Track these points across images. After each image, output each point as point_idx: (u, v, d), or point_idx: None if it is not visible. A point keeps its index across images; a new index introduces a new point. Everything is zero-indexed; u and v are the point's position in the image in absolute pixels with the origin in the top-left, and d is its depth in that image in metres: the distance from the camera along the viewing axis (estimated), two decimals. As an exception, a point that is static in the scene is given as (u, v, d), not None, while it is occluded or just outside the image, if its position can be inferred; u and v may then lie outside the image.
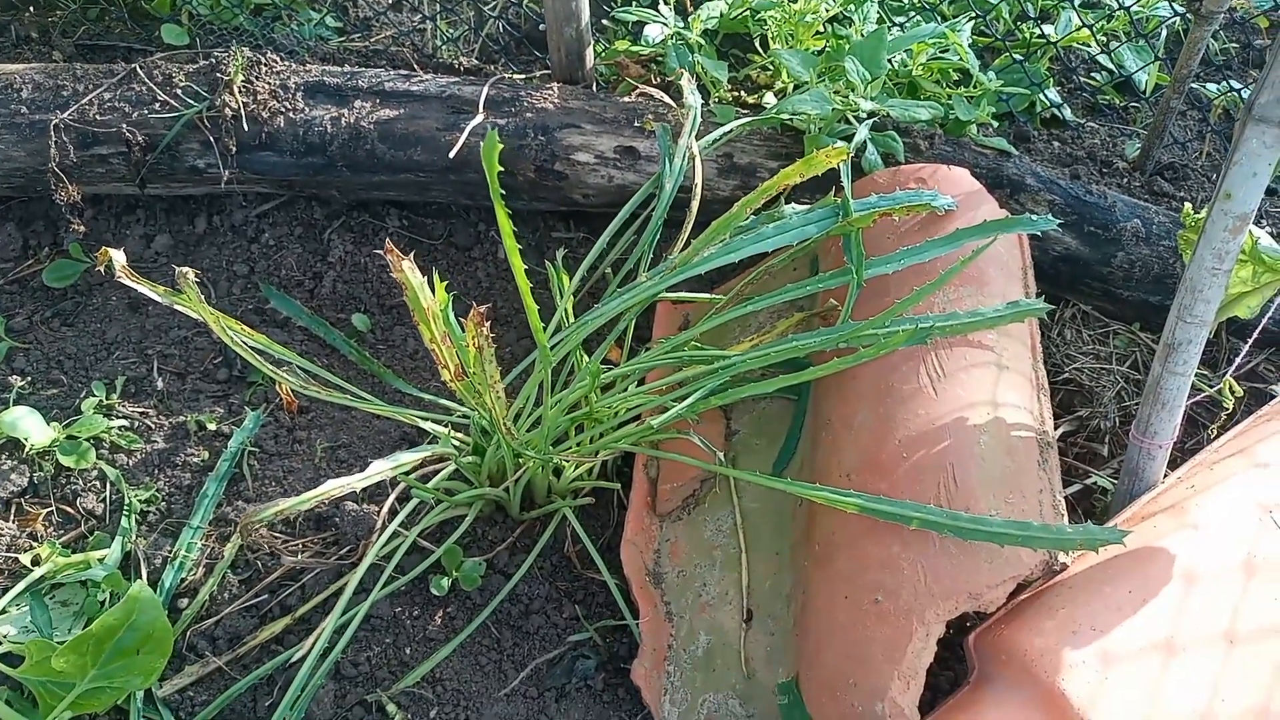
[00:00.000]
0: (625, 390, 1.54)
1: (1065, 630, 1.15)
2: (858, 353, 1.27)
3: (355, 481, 1.23)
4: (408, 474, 1.31)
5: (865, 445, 1.33)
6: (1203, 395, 1.49)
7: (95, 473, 1.60)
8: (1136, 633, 1.15)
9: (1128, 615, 1.17)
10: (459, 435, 1.52)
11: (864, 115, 1.68)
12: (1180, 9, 2.01)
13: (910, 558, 1.20)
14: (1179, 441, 1.39)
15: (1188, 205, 1.31)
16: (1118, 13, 2.06)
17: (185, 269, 1.30)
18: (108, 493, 1.58)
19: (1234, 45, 2.38)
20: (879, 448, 1.31)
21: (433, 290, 1.07)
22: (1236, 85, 2.05)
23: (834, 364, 1.27)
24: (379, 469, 1.25)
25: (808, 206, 1.47)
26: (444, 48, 2.18)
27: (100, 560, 1.47)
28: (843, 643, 1.20)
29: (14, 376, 1.74)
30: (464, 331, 1.10)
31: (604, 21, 2.19)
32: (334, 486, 1.22)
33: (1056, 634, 1.15)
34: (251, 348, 1.37)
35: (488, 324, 1.05)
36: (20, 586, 1.40)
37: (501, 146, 1.06)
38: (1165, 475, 1.40)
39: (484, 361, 1.07)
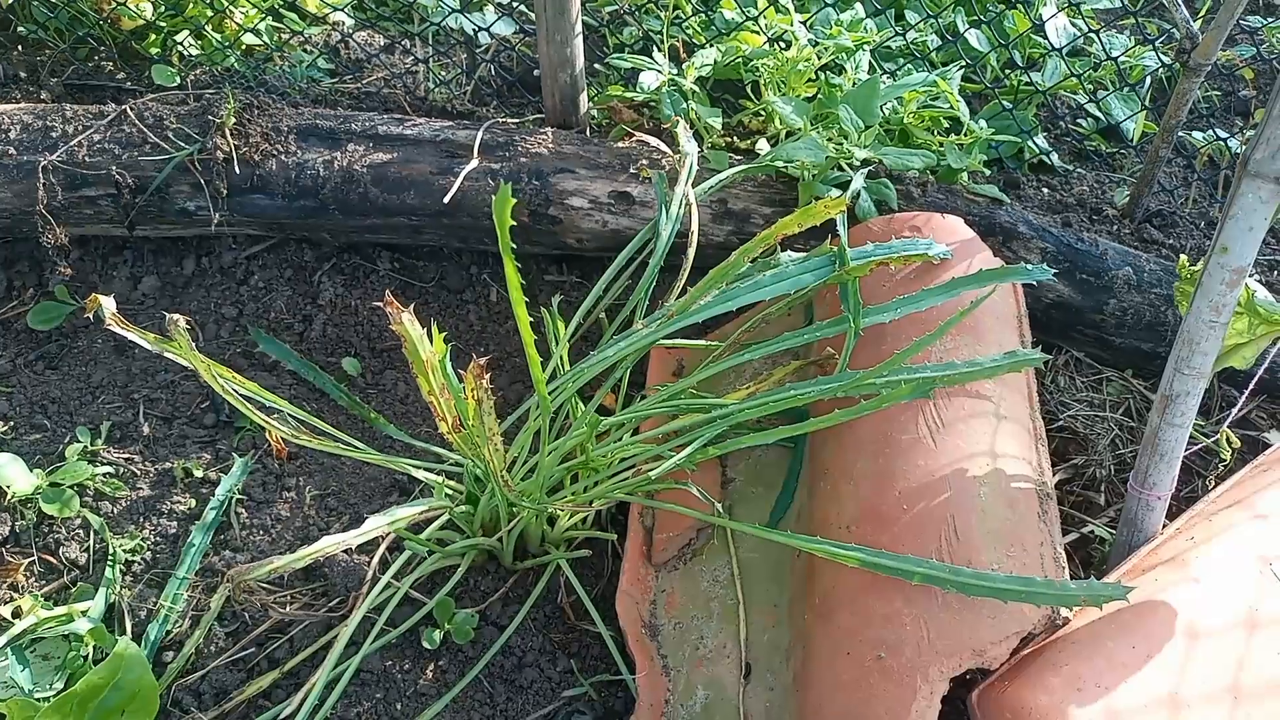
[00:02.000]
0: (620, 439, 1.52)
1: (1070, 687, 1.14)
2: (859, 405, 1.26)
3: (351, 538, 1.21)
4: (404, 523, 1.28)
5: (865, 496, 1.32)
6: (1200, 446, 1.49)
7: (79, 521, 1.57)
8: (1141, 689, 1.14)
9: (1132, 671, 1.16)
10: (451, 484, 1.50)
11: (858, 163, 1.69)
12: (1167, 60, 2.04)
13: (913, 614, 1.18)
14: (1175, 490, 1.39)
15: (1183, 258, 1.32)
16: (1104, 62, 2.09)
17: (176, 316, 1.28)
18: (91, 541, 1.55)
19: (1217, 93, 2.42)
20: (879, 499, 1.30)
21: (431, 341, 1.06)
22: (1222, 134, 2.08)
23: (835, 415, 1.27)
24: (375, 525, 1.23)
25: (804, 255, 1.47)
26: (436, 90, 2.18)
27: (83, 613, 1.43)
28: (845, 700, 1.18)
29: (-4, 421, 1.71)
30: (462, 383, 1.08)
31: (596, 66, 2.20)
32: (330, 544, 1.20)
33: (1061, 691, 1.13)
34: (241, 395, 1.35)
35: (487, 376, 1.03)
36: (2, 640, 1.36)
37: (514, 201, 1.05)
38: (1163, 526, 1.40)
39: (483, 414, 1.05)
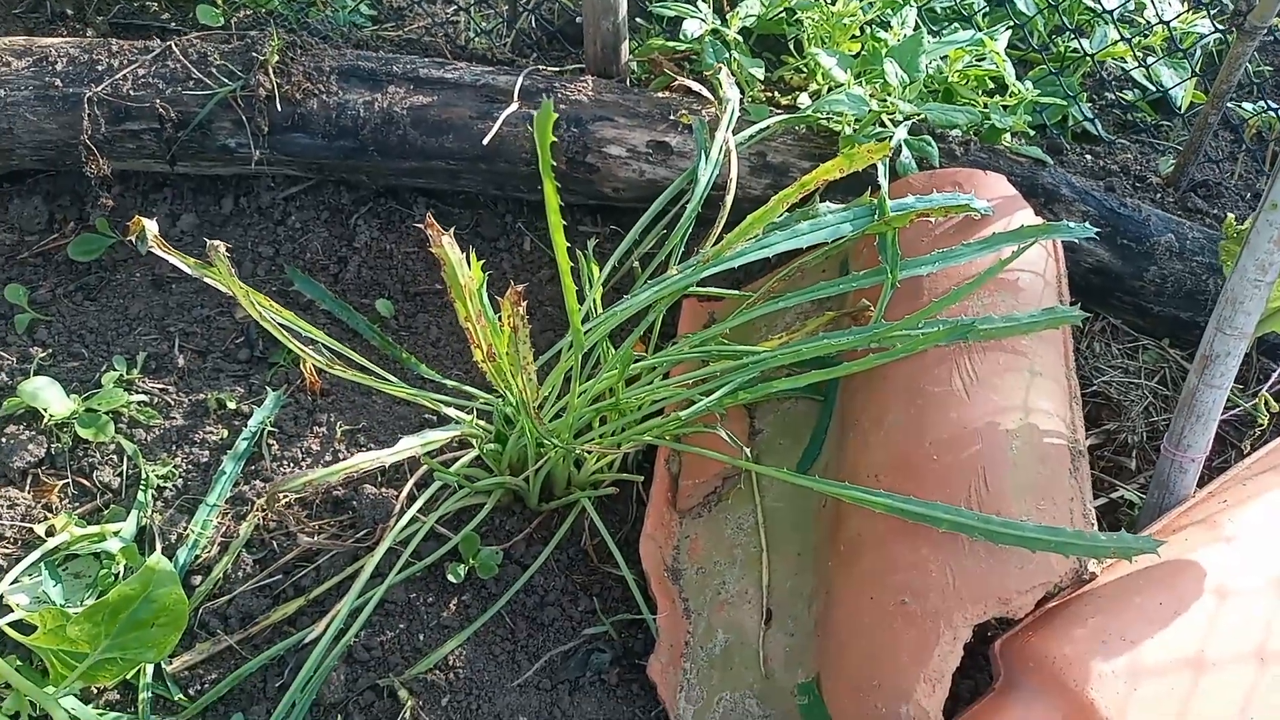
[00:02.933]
0: (650, 383, 1.52)
1: (1095, 640, 1.13)
2: (894, 349, 1.25)
3: (385, 456, 1.22)
4: (432, 456, 1.29)
5: (895, 446, 1.31)
6: (1236, 410, 1.47)
7: (113, 446, 1.59)
8: (1167, 646, 1.13)
9: (1158, 628, 1.15)
10: (481, 423, 1.50)
11: (901, 118, 1.67)
12: (1220, 26, 1.99)
13: (939, 560, 1.18)
14: (1207, 457, 1.37)
15: (1230, 215, 1.30)
16: (1156, 28, 2.05)
17: (216, 242, 1.29)
18: (124, 467, 1.57)
19: (1269, 68, 2.37)
20: (909, 449, 1.29)
21: (470, 267, 1.06)
22: (1274, 105, 2.04)
23: (869, 359, 1.26)
24: (408, 444, 1.24)
25: (842, 205, 1.46)
26: (477, 39, 2.18)
27: (115, 533, 1.45)
28: (868, 643, 1.18)
29: (35, 348, 1.73)
30: (498, 312, 1.09)
31: (637, 19, 2.18)
32: (364, 460, 1.21)
33: (1086, 643, 1.13)
34: (279, 324, 1.36)
35: (524, 303, 1.03)
36: (35, 555, 1.39)
37: (555, 116, 1.04)
38: (1195, 490, 1.39)
39: (518, 342, 1.05)
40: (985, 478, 1.23)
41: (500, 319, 1.10)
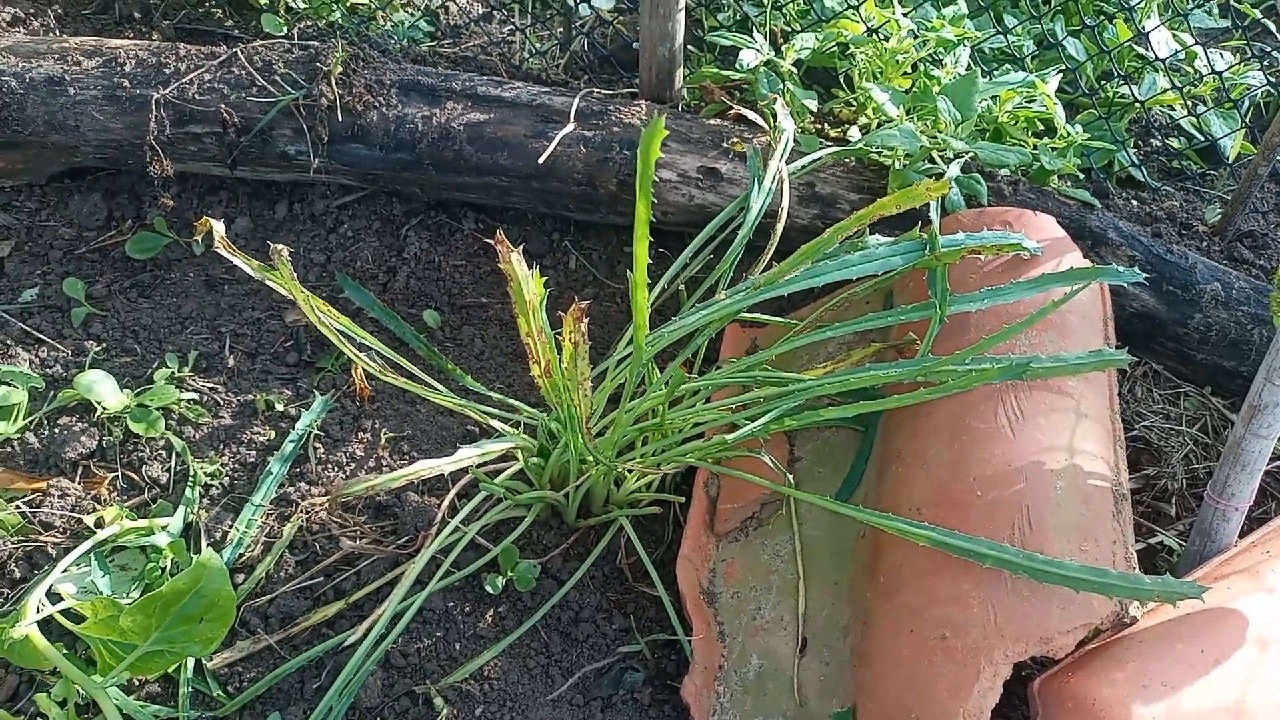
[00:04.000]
0: (694, 406, 1.54)
1: (1136, 683, 1.13)
2: (945, 385, 1.26)
3: (445, 465, 1.24)
4: (478, 467, 1.31)
5: (938, 480, 1.32)
6: (1277, 464, 1.47)
7: (162, 442, 1.62)
8: (1207, 693, 1.13)
9: (1199, 675, 1.15)
10: (525, 436, 1.52)
11: (952, 155, 1.69)
12: (1272, 79, 2.00)
13: (980, 596, 1.18)
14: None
15: (1283, 268, 1.30)
16: (1207, 78, 2.06)
17: (279, 246, 1.32)
18: (173, 463, 1.60)
19: (1317, 121, 2.37)
20: (952, 484, 1.30)
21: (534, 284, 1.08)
22: (1322, 159, 2.04)
23: (919, 394, 1.27)
24: (466, 454, 1.26)
25: (893, 239, 1.48)
26: (531, 60, 2.21)
27: (163, 528, 1.48)
28: (906, 676, 1.18)
29: (90, 341, 1.77)
30: (557, 329, 1.11)
31: (690, 49, 2.22)
32: (424, 467, 1.23)
33: (1127, 686, 1.13)
34: (336, 329, 1.39)
35: (585, 321, 1.05)
36: (86, 546, 1.42)
37: (665, 132, 1.04)
38: (1237, 539, 1.39)
39: (578, 357, 1.07)
40: (1029, 516, 1.24)
41: (560, 335, 1.12)
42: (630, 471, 1.51)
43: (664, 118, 0.99)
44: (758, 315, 1.60)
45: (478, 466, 1.38)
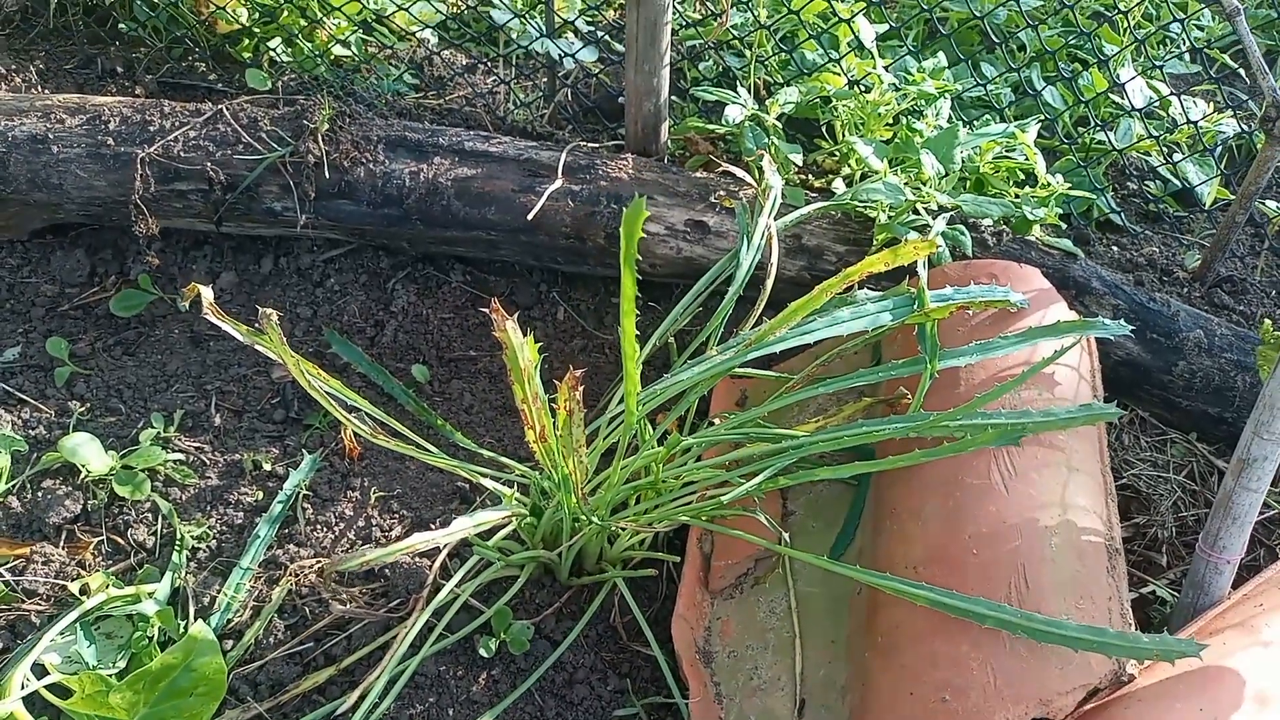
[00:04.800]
0: (685, 464, 1.53)
1: (1136, 745, 1.13)
2: (940, 445, 1.27)
3: (439, 537, 1.23)
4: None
5: (934, 538, 1.32)
6: (1272, 512, 1.48)
7: (148, 505, 1.60)
8: (1208, 753, 1.13)
9: (1199, 734, 1.15)
10: (518, 496, 1.51)
11: (936, 208, 1.70)
12: (1245, 127, 2.04)
13: (980, 658, 1.18)
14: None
15: (1267, 322, 1.32)
16: (1182, 125, 2.10)
17: (268, 310, 1.31)
18: (159, 526, 1.58)
19: (1289, 164, 2.42)
20: (948, 542, 1.30)
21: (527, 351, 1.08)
22: (1297, 205, 2.08)
23: (915, 455, 1.27)
24: (461, 525, 1.25)
25: (881, 294, 1.49)
26: (516, 111, 2.22)
27: (150, 595, 1.46)
28: (907, 740, 1.18)
29: (74, 402, 1.75)
30: (552, 393, 1.10)
31: (673, 99, 2.24)
32: (418, 540, 1.22)
33: (1127, 748, 1.13)
34: (326, 391, 1.38)
35: (580, 389, 1.05)
36: (72, 616, 1.39)
37: (646, 214, 1.06)
38: (1230, 591, 1.39)
39: (573, 425, 1.07)
40: (1025, 574, 1.24)
41: (554, 401, 1.12)
42: (624, 530, 1.50)
43: (644, 199, 1.00)
44: (749, 371, 1.60)
45: (479, 530, 1.37)
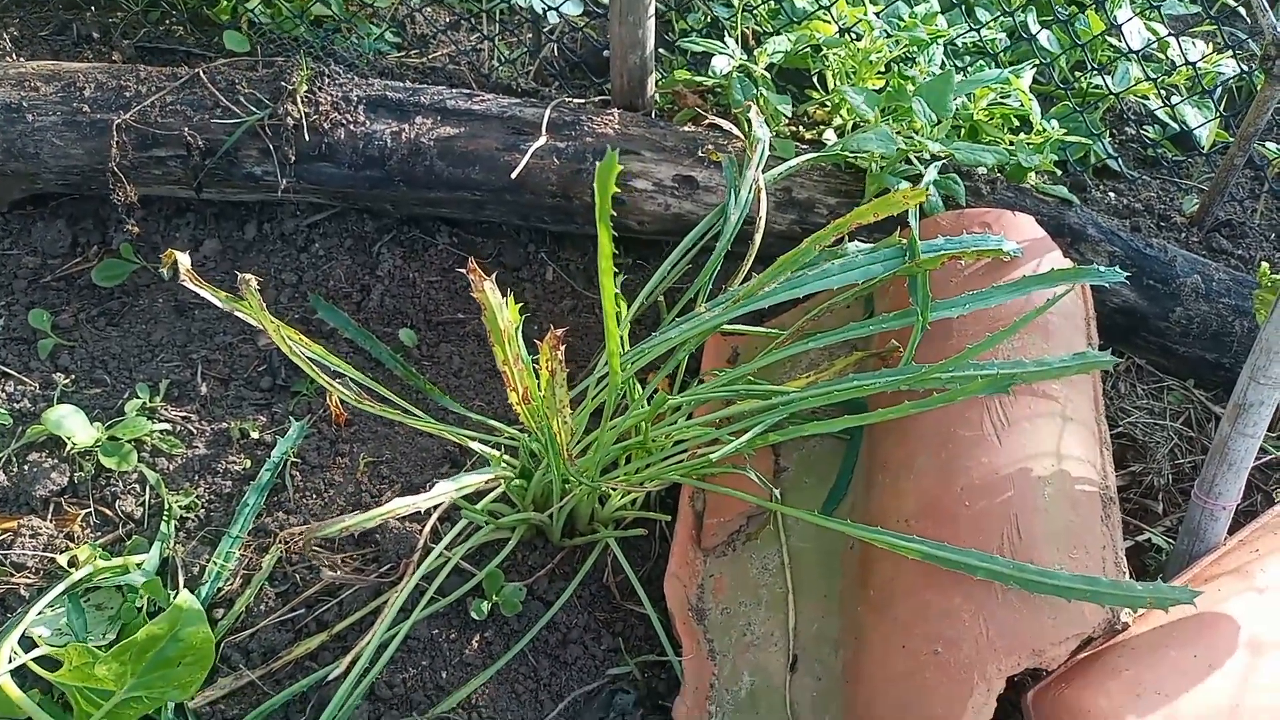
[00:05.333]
0: (675, 422, 1.52)
1: (1130, 693, 1.12)
2: (930, 397, 1.25)
3: (421, 501, 1.22)
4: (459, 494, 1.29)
5: (926, 491, 1.31)
6: (1264, 460, 1.46)
7: (135, 475, 1.59)
8: (1202, 699, 1.12)
9: (1193, 681, 1.14)
10: (507, 458, 1.50)
11: (929, 157, 1.67)
12: (1246, 67, 2.00)
13: (972, 609, 1.17)
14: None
15: (1265, 264, 1.30)
16: (1180, 67, 2.05)
17: (248, 276, 1.29)
18: (147, 496, 1.57)
19: (1290, 105, 2.37)
20: (940, 494, 1.29)
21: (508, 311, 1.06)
22: (1298, 146, 2.04)
23: (905, 407, 1.25)
24: (444, 490, 1.23)
25: (872, 245, 1.46)
26: (501, 68, 2.18)
27: (139, 566, 1.45)
28: (899, 692, 1.17)
29: (58, 374, 1.73)
30: (534, 355, 1.08)
31: (660, 51, 2.19)
32: (399, 505, 1.20)
33: (1121, 696, 1.12)
34: (308, 357, 1.36)
35: (562, 348, 1.03)
36: (60, 588, 1.38)
37: (619, 168, 1.04)
38: (1225, 537, 1.38)
39: (555, 386, 1.05)
40: (1018, 525, 1.23)
41: (537, 362, 1.10)
42: (614, 490, 1.49)
43: (616, 152, 0.97)
44: (740, 328, 1.58)
45: (461, 493, 1.36)
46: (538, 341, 1.10)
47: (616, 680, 1.44)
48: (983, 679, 1.12)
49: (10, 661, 1.24)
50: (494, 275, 1.93)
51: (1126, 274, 1.63)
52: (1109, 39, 2.14)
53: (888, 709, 1.18)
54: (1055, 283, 1.40)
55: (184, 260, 1.27)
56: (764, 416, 1.38)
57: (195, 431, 1.66)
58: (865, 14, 1.85)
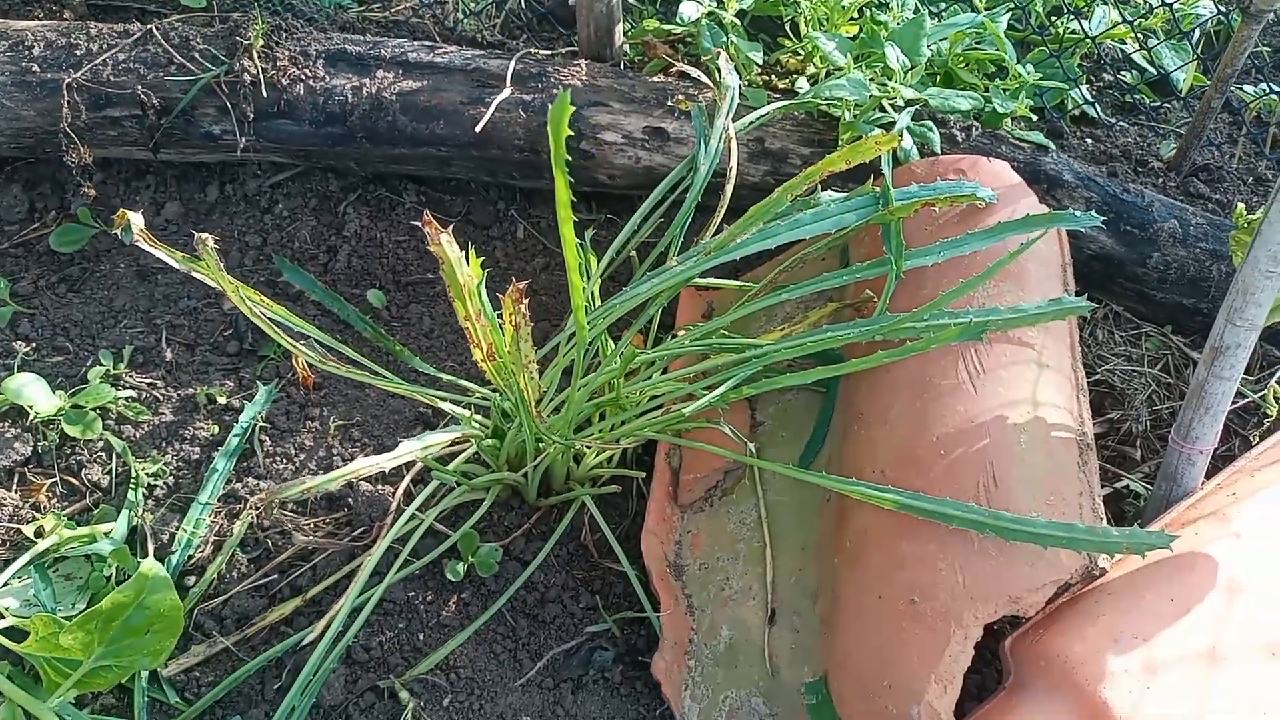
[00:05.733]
0: (650, 377, 1.50)
1: (1107, 637, 1.12)
2: (902, 346, 1.23)
3: (384, 461, 1.19)
4: (428, 453, 1.27)
5: (901, 440, 1.29)
6: (1241, 403, 1.45)
7: (101, 444, 1.56)
8: (1180, 642, 1.12)
9: (1170, 624, 1.14)
10: (478, 418, 1.48)
11: (903, 104, 1.64)
12: (1222, 8, 1.97)
13: (948, 558, 1.16)
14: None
15: (1240, 205, 1.28)
16: (1157, 9, 2.02)
17: (204, 235, 1.25)
18: (114, 465, 1.54)
19: (1268, 49, 2.35)
20: (915, 443, 1.28)
21: (469, 264, 1.03)
22: (1274, 88, 2.02)
23: (878, 356, 1.24)
24: (408, 449, 1.21)
25: (844, 194, 1.43)
26: (466, 21, 2.13)
27: (106, 534, 1.42)
28: (876, 643, 1.16)
29: (19, 342, 1.69)
30: (498, 310, 1.06)
31: (630, 0, 2.14)
32: (363, 465, 1.18)
33: (1098, 641, 1.12)
34: (270, 319, 1.33)
35: (525, 301, 1.00)
36: (25, 559, 1.36)
37: (572, 109, 1.01)
38: (1203, 482, 1.38)
39: (520, 340, 1.02)
40: (993, 473, 1.22)
41: (501, 317, 1.07)
42: (589, 448, 1.47)
43: (569, 93, 0.94)
44: (711, 280, 1.55)
45: (426, 453, 1.33)
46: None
47: (595, 638, 1.43)
48: (959, 627, 1.12)
49: (-26, 634, 1.22)
50: (462, 235, 1.90)
51: (1103, 219, 1.62)
52: (1086, -19, 2.10)
53: (867, 659, 1.18)
54: (1030, 229, 1.38)
55: (137, 220, 1.23)
56: (738, 370, 1.36)
57: (161, 398, 1.63)
58: (837, -43, 1.81)
